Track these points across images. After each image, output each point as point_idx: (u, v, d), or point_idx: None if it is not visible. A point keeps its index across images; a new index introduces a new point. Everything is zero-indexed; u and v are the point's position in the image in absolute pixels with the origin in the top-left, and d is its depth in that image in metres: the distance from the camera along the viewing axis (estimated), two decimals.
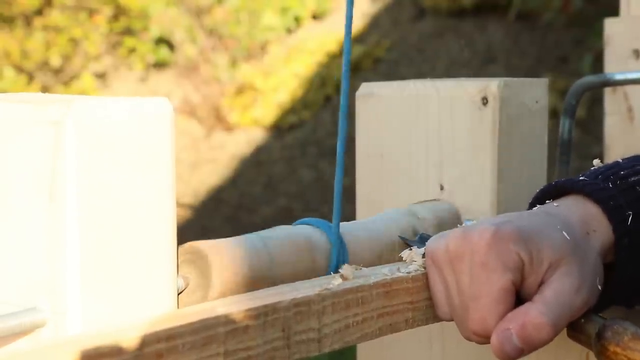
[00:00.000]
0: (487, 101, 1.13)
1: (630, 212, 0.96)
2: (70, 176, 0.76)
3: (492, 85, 1.13)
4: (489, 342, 0.91)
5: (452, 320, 0.95)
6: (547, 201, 0.99)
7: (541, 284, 0.91)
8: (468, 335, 0.93)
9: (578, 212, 0.96)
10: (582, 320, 0.93)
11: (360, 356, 1.26)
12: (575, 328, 0.93)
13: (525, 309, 0.89)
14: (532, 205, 1.01)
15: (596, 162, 1.04)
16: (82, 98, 0.80)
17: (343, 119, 0.96)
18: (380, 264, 1.00)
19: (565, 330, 0.94)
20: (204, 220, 6.03)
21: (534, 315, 0.89)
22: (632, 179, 0.98)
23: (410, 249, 1.00)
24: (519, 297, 0.91)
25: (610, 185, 0.97)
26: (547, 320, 0.89)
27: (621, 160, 1.02)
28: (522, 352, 0.89)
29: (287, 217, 5.57)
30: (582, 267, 0.91)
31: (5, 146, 0.78)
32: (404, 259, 0.98)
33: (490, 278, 0.89)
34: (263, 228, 0.98)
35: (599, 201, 0.96)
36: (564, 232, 0.92)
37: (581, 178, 0.99)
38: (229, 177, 6.43)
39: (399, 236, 1.06)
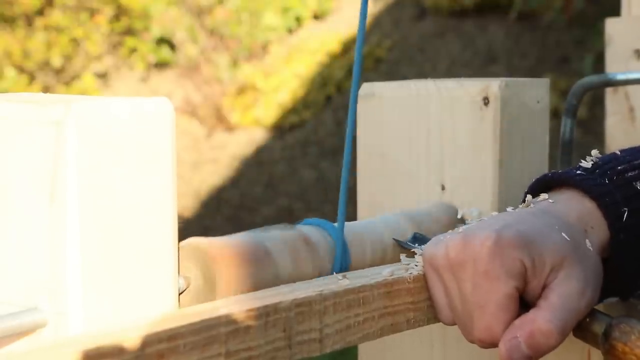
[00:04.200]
0: (488, 101, 1.13)
1: (626, 209, 0.95)
2: (71, 176, 0.76)
3: (493, 86, 1.13)
4: (493, 347, 0.91)
5: (454, 324, 0.95)
6: (542, 194, 0.99)
7: (544, 287, 0.90)
8: (473, 341, 0.93)
9: (576, 209, 0.96)
10: (588, 319, 0.92)
11: (361, 356, 1.26)
12: (581, 327, 0.93)
13: (532, 316, 0.89)
14: (526, 195, 1.01)
15: (594, 152, 1.03)
16: (83, 98, 0.80)
17: (351, 123, 0.96)
18: (382, 265, 1.00)
19: None
20: (205, 220, 6.03)
21: (541, 322, 0.88)
22: (629, 174, 0.98)
23: (409, 250, 1.00)
24: (523, 301, 0.91)
25: (607, 181, 0.97)
26: (554, 327, 0.88)
27: (619, 153, 1.02)
28: (530, 359, 0.90)
29: (288, 217, 5.58)
30: (584, 268, 0.91)
31: (6, 146, 0.78)
32: (403, 260, 0.98)
33: (494, 286, 0.89)
34: None
35: (596, 198, 0.96)
36: (563, 234, 0.92)
37: (578, 172, 0.98)
38: (230, 177, 6.43)
39: (394, 239, 1.05)
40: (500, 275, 0.89)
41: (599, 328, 0.91)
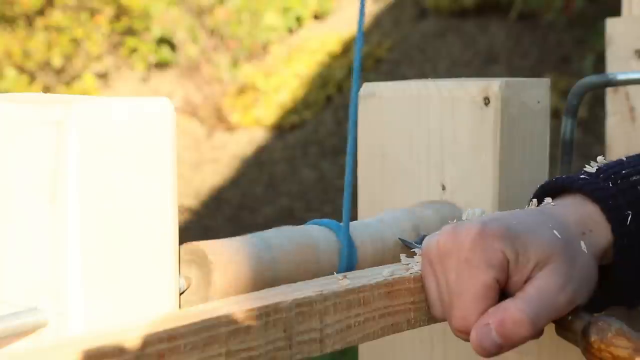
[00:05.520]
0: (488, 101, 1.13)
1: (630, 212, 0.95)
2: (71, 176, 0.76)
3: (494, 86, 1.13)
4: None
5: (445, 319, 0.94)
6: (546, 198, 0.99)
7: (526, 281, 0.90)
8: (455, 333, 0.93)
9: (575, 212, 0.95)
10: (570, 317, 0.92)
11: (362, 356, 1.26)
12: (563, 326, 0.93)
13: (506, 305, 0.89)
14: (530, 200, 1.01)
15: (600, 159, 1.03)
16: (84, 98, 0.80)
17: (353, 125, 0.96)
18: (383, 264, 1.00)
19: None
20: (206, 220, 6.03)
21: (513, 311, 0.88)
22: (634, 178, 0.97)
23: (411, 250, 1.00)
24: (506, 295, 0.91)
25: (611, 185, 0.96)
26: (526, 316, 0.88)
27: (625, 159, 1.01)
28: (501, 348, 0.89)
29: (289, 217, 5.58)
30: (570, 266, 0.90)
31: (7, 146, 0.78)
32: (403, 260, 0.98)
33: (473, 275, 0.89)
34: (265, 228, 0.98)
35: (598, 201, 0.95)
36: (555, 231, 0.91)
37: (582, 176, 0.98)
38: (230, 177, 6.43)
39: (399, 238, 1.06)
40: (480, 264, 0.89)
41: (579, 326, 0.91)
